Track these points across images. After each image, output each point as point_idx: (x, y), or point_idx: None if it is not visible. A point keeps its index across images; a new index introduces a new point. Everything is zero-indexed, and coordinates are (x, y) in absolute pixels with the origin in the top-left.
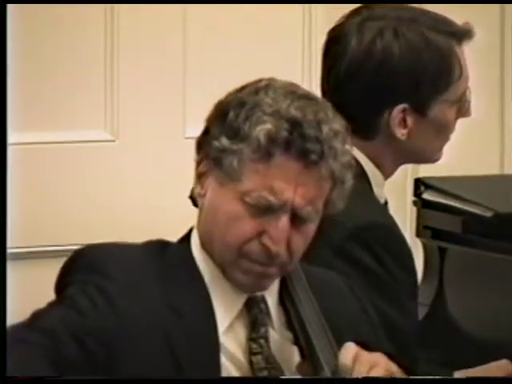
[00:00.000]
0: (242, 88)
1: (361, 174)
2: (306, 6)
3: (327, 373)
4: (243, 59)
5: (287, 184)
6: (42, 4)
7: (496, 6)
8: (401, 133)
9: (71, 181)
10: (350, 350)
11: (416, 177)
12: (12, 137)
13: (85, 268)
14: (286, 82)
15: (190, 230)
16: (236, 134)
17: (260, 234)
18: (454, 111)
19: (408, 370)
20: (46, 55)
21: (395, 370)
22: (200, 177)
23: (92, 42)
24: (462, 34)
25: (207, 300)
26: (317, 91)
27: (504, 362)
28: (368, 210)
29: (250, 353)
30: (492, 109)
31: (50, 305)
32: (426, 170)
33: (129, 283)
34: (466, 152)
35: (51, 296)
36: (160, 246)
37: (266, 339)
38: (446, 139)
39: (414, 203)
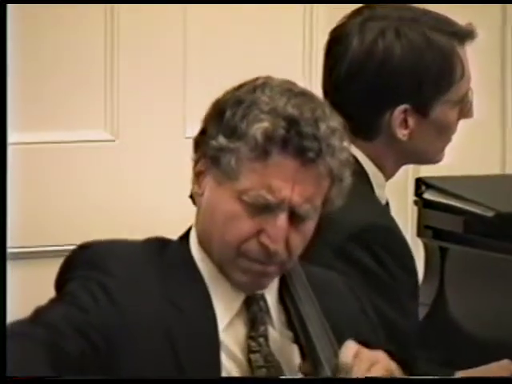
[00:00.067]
0: (239, 86)
1: (362, 175)
2: (308, 5)
3: (327, 371)
4: (243, 59)
5: (285, 182)
6: (42, 4)
7: (497, 6)
8: (402, 133)
9: (71, 180)
10: (350, 347)
11: (417, 176)
12: (12, 136)
13: (85, 264)
14: (282, 80)
15: (189, 229)
16: (233, 133)
17: (258, 232)
18: (455, 112)
19: (407, 366)
20: (46, 55)
21: (395, 369)
22: (198, 176)
23: (92, 42)
24: (464, 34)
25: (207, 298)
26: (317, 91)
27: (505, 362)
28: (368, 210)
29: (249, 351)
30: (493, 109)
31: (52, 301)
32: (427, 170)
33: (129, 280)
34: (468, 152)
35: (51, 296)
36: (160, 243)
37: (266, 338)
38: (448, 140)
39: (415, 203)
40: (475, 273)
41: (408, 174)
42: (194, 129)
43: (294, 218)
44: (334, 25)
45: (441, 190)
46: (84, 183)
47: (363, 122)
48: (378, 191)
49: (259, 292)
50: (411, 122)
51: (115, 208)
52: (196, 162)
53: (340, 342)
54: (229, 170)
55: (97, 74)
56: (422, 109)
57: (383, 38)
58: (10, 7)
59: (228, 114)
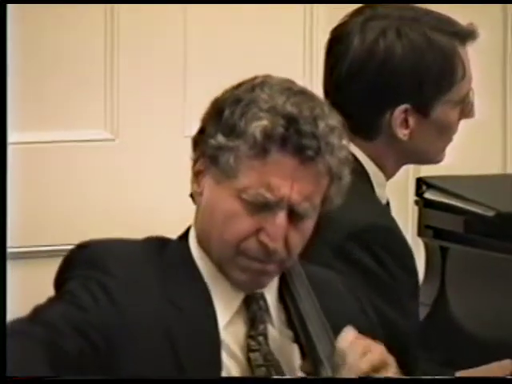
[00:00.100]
0: (238, 85)
1: (362, 175)
2: (308, 5)
3: (328, 370)
4: (243, 59)
5: (284, 180)
6: (42, 4)
7: (498, 6)
8: (402, 133)
9: (71, 180)
10: (348, 333)
11: (418, 176)
12: (12, 136)
13: (84, 263)
14: (281, 79)
15: (189, 228)
16: (232, 131)
17: (257, 231)
18: (456, 112)
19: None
20: (46, 55)
21: (391, 362)
22: (197, 175)
23: (92, 41)
24: (466, 34)
25: (207, 296)
26: (318, 91)
27: (506, 361)
28: (369, 210)
29: (248, 350)
30: (494, 109)
31: (51, 300)
32: (427, 170)
33: (128, 279)
34: (468, 152)
35: (51, 295)
36: (159, 243)
37: (265, 336)
38: (449, 140)
39: (416, 202)
40: (476, 273)
41: (409, 173)
42: (194, 128)
43: (293, 216)
44: (334, 25)
45: (441, 190)
46: (84, 183)
47: (364, 122)
48: (378, 191)
49: (259, 291)
50: (412, 121)
51: (115, 207)
52: (195, 162)
53: None
54: (228, 168)
55: (97, 74)
56: (422, 109)
57: (384, 38)
58: (10, 7)
59: (227, 112)
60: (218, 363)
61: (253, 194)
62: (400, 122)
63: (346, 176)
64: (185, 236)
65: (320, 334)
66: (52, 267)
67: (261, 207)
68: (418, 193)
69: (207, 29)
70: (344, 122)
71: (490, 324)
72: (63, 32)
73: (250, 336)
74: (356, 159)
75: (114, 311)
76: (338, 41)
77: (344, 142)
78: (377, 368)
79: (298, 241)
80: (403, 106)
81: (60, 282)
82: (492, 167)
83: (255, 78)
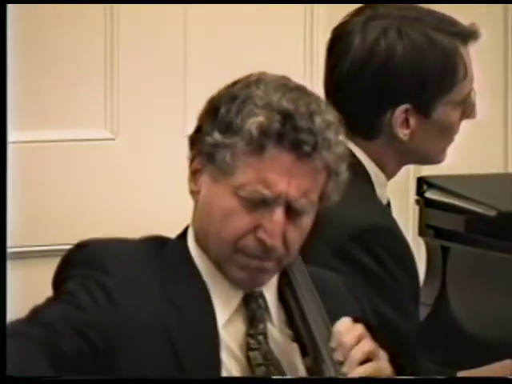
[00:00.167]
0: (234, 83)
1: (363, 174)
2: (308, 5)
3: (330, 367)
4: (243, 59)
5: (281, 176)
6: (42, 4)
7: (499, 7)
8: (403, 133)
9: (71, 179)
10: (347, 320)
11: (419, 176)
12: (12, 135)
13: (83, 263)
14: (277, 76)
15: (187, 228)
16: (228, 128)
17: (255, 228)
18: (458, 112)
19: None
20: (46, 54)
21: (382, 356)
22: (194, 174)
23: (92, 41)
24: (468, 34)
25: (206, 295)
26: (318, 91)
27: (507, 361)
28: (369, 210)
29: (248, 348)
30: (496, 108)
31: (49, 300)
32: (428, 169)
33: (127, 278)
34: (470, 152)
35: (50, 295)
36: (157, 242)
37: (265, 335)
38: (450, 141)
39: (417, 202)
40: (477, 272)
41: (409, 173)
42: None
43: (291, 212)
44: (334, 25)
45: (442, 189)
46: (84, 182)
47: (364, 121)
48: (379, 191)
49: (258, 289)
50: (412, 121)
51: (115, 207)
52: (192, 160)
53: None
54: (224, 165)
55: (97, 74)
56: (423, 109)
57: (385, 38)
58: (10, 7)
59: (223, 110)
60: (217, 362)
61: (250, 190)
62: (401, 121)
63: (344, 172)
64: (183, 235)
65: (322, 331)
66: (52, 267)
67: (258, 204)
68: (419, 192)
69: (207, 29)
70: (341, 118)
71: (491, 324)
72: (63, 32)
73: (249, 335)
74: (357, 159)
75: (113, 311)
76: (339, 40)
77: (341, 137)
78: (367, 359)
79: (296, 237)
80: (404, 106)
81: (58, 281)
82: (493, 167)
83: (250, 75)
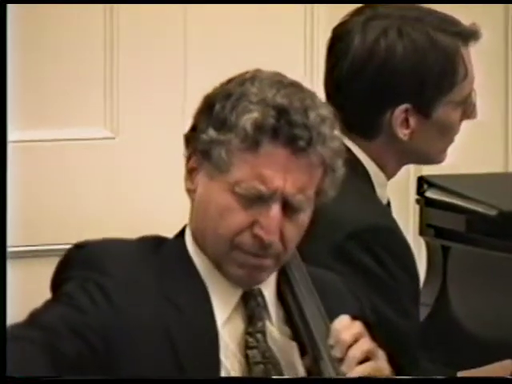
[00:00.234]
0: (228, 81)
1: (363, 174)
2: (308, 5)
3: (328, 365)
4: (243, 59)
5: (276, 172)
6: (42, 4)
7: (500, 7)
8: (403, 133)
9: (71, 178)
10: (346, 317)
11: (419, 175)
12: (12, 134)
13: (81, 264)
14: (271, 73)
15: (185, 227)
16: (223, 125)
17: (252, 224)
18: (458, 113)
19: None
20: (46, 53)
21: (380, 356)
22: (190, 172)
23: (92, 40)
24: (469, 34)
25: (204, 294)
26: (319, 91)
27: (508, 362)
28: (370, 210)
29: (246, 347)
30: (496, 108)
31: (48, 302)
32: (429, 169)
33: (127, 279)
34: (470, 152)
35: (48, 298)
36: (155, 242)
37: (263, 333)
38: (450, 141)
39: (417, 201)
40: (477, 272)
41: (410, 172)
42: None
43: (288, 208)
44: (334, 24)
45: (443, 189)
46: (84, 181)
47: (364, 121)
48: (379, 191)
49: (256, 287)
50: (412, 121)
51: (115, 206)
52: (188, 159)
53: None
54: (220, 162)
55: (97, 72)
56: (423, 109)
57: (385, 37)
58: (10, 7)
59: (217, 107)
60: (217, 362)
61: (246, 187)
62: (400, 121)
63: (340, 168)
64: (181, 234)
65: (320, 329)
66: (52, 266)
67: (254, 200)
68: (420, 191)
69: (207, 29)
70: (336, 113)
71: (492, 324)
72: (63, 31)
73: (248, 333)
74: (356, 159)
75: (112, 312)
76: (339, 40)
77: (336, 132)
78: (366, 358)
79: (293, 234)
80: (404, 106)
81: (57, 282)
82: (494, 166)
83: (245, 73)
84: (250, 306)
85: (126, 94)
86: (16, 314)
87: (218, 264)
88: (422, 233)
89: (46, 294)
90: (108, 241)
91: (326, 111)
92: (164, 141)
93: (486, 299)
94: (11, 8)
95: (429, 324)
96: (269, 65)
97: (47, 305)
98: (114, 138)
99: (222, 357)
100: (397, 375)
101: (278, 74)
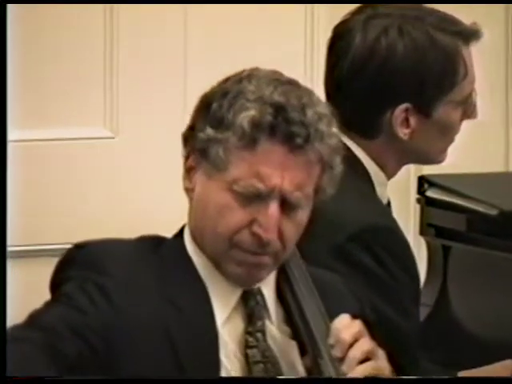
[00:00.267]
0: (226, 80)
1: (363, 174)
2: (309, 5)
3: (328, 364)
4: (244, 59)
5: (274, 169)
6: (42, 4)
7: (501, 7)
8: (403, 132)
9: (71, 178)
10: (346, 316)
11: (420, 174)
12: (12, 134)
13: (81, 264)
14: (269, 71)
15: (184, 227)
16: (220, 123)
17: (250, 222)
18: (458, 112)
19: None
20: (46, 53)
21: (380, 355)
22: (188, 172)
23: (92, 39)
24: (469, 34)
25: (204, 294)
26: (319, 91)
27: (508, 362)
28: (370, 210)
29: (246, 346)
30: (497, 108)
31: (48, 303)
32: (429, 168)
33: (126, 279)
34: (471, 152)
35: (48, 300)
36: (153, 241)
37: (263, 333)
38: (451, 141)
39: (418, 201)
40: (478, 272)
41: (410, 171)
42: None
43: (286, 206)
44: (335, 24)
45: (444, 188)
46: (84, 180)
47: (364, 120)
48: (379, 190)
49: (256, 286)
50: (413, 121)
51: (115, 205)
52: (186, 158)
53: None
54: (218, 161)
55: (97, 72)
56: (423, 108)
57: (386, 36)
58: (10, 7)
59: (214, 105)
60: (217, 362)
61: (244, 185)
62: (401, 121)
63: (338, 165)
64: (180, 234)
65: (320, 328)
66: (51, 266)
67: (252, 198)
68: (420, 191)
69: (207, 29)
70: (334, 111)
71: (492, 324)
72: (63, 31)
73: (247, 332)
74: (356, 158)
75: (112, 312)
76: (339, 38)
77: (334, 129)
78: (366, 358)
79: (292, 232)
80: (404, 105)
81: (56, 282)
82: (495, 166)
83: (242, 71)
84: (250, 305)
85: (126, 94)
86: (16, 313)
87: (216, 263)
88: (422, 232)
89: (46, 294)
90: (107, 241)
91: (324, 109)
92: (164, 140)
93: (487, 299)
94: (11, 8)
95: (429, 324)
96: (269, 65)
97: (47, 306)
98: (113, 138)
99: (222, 356)
100: (397, 375)
101: (276, 72)
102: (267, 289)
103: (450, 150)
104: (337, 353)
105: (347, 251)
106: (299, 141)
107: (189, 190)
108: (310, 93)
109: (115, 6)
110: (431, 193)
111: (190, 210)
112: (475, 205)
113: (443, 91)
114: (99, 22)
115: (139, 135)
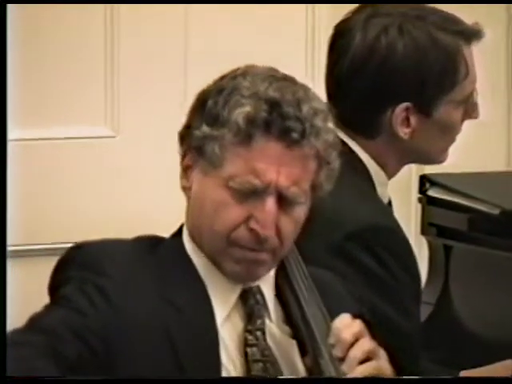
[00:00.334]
0: (221, 77)
1: (363, 173)
2: (310, 5)
3: (327, 362)
4: (244, 58)
5: (270, 165)
6: (42, 4)
7: (502, 7)
8: (403, 132)
9: (72, 177)
10: (347, 316)
11: (421, 173)
12: (12, 133)
13: (79, 265)
14: (264, 68)
15: (182, 226)
16: (216, 120)
17: (247, 219)
18: (460, 112)
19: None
20: (47, 52)
21: (381, 355)
22: (185, 170)
23: (92, 39)
24: (471, 33)
25: (203, 293)
26: (320, 91)
27: (509, 362)
28: (370, 210)
29: (246, 344)
30: (499, 107)
31: (48, 306)
32: (431, 167)
33: (125, 279)
34: (472, 152)
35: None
36: (151, 241)
37: (263, 331)
38: (452, 140)
39: (419, 200)
40: (480, 271)
41: (412, 170)
42: None
43: (283, 202)
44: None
45: (445, 187)
46: (84, 179)
47: (365, 119)
48: (379, 189)
49: (255, 284)
50: (413, 120)
51: (116, 204)
52: (183, 157)
53: None
54: (214, 157)
55: (97, 72)
56: (424, 108)
57: (386, 35)
58: (10, 7)
59: (210, 102)
60: (217, 361)
61: (240, 181)
62: (401, 120)
63: (335, 160)
64: (178, 233)
65: (321, 327)
66: (52, 266)
67: (249, 194)
68: (422, 190)
69: (207, 28)
70: (329, 106)
71: (494, 323)
72: (63, 30)
73: (247, 331)
74: (357, 157)
75: (112, 313)
76: (340, 37)
77: (330, 124)
78: (367, 358)
79: (289, 228)
80: (404, 105)
81: (55, 283)
82: (496, 165)
83: (238, 68)
84: (249, 304)
85: (127, 93)
86: (16, 312)
87: (215, 261)
88: (423, 232)
89: (46, 294)
90: (106, 241)
91: (319, 104)
92: (164, 140)
93: (489, 299)
94: (11, 8)
95: (431, 323)
96: (270, 65)
97: (47, 309)
98: (114, 137)
99: (222, 355)
100: (398, 375)
101: (271, 69)
102: (266, 287)
103: (452, 149)
104: (337, 352)
105: (348, 251)
106: (295, 136)
107: (186, 189)
108: (305, 88)
109: (115, 5)
110: (433, 192)
111: (188, 208)
112: (477, 204)
113: (444, 91)
114: (99, 22)
115: (140, 134)
